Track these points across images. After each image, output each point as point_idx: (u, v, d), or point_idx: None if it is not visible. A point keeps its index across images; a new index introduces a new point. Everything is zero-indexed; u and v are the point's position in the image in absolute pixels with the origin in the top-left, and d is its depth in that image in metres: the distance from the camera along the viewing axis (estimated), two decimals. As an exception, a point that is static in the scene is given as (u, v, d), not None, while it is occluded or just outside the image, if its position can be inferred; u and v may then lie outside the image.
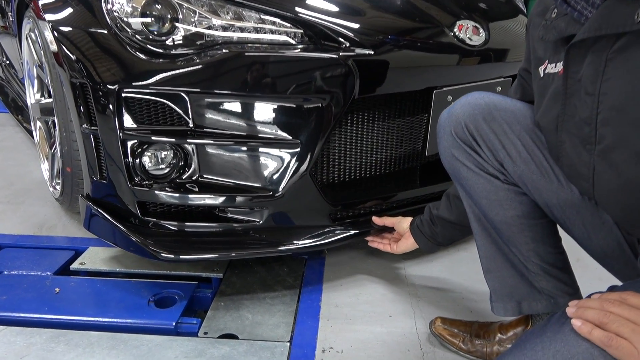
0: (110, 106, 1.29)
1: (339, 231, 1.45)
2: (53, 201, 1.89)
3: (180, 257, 1.34)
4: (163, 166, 1.39)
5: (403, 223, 1.40)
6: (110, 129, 1.32)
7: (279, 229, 1.43)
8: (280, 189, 1.37)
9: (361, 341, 1.24)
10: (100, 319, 1.30)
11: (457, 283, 1.48)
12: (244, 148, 1.35)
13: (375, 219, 1.46)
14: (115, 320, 1.30)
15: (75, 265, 1.52)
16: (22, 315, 1.30)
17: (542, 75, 0.89)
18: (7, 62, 3.00)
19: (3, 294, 1.38)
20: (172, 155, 1.38)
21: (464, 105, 0.95)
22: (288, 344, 1.22)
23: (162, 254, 1.32)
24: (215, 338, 1.25)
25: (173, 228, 1.40)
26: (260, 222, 1.41)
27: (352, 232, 1.45)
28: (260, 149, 1.36)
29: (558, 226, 1.00)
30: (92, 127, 1.35)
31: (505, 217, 0.96)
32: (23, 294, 1.38)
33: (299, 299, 1.41)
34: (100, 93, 1.30)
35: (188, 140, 1.32)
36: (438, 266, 1.57)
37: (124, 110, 1.29)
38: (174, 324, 1.29)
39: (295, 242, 1.41)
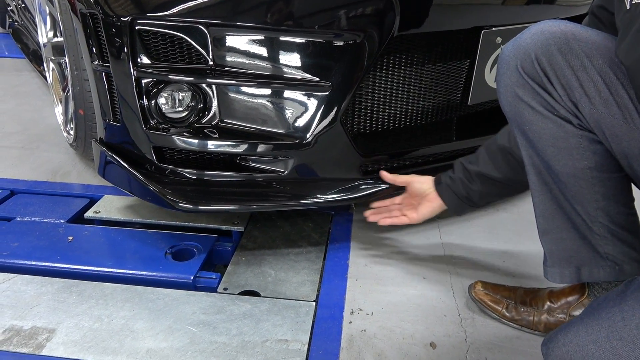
0: (123, 40, 1.17)
1: (369, 185, 1.33)
2: (68, 147, 1.80)
3: (199, 207, 1.24)
4: (180, 109, 1.28)
5: (420, 184, 1.23)
6: (123, 66, 1.20)
7: (304, 181, 1.32)
8: (308, 136, 1.25)
9: (393, 304, 1.15)
10: (114, 270, 1.22)
11: (497, 246, 1.36)
12: (269, 90, 1.22)
13: (384, 174, 1.29)
14: (130, 272, 1.22)
15: (89, 214, 1.44)
16: (33, 263, 1.23)
17: (628, 6, 0.74)
18: (23, 4, 2.89)
19: (15, 241, 1.31)
20: (190, 97, 1.26)
21: (535, 34, 0.79)
22: (314, 303, 1.13)
23: (180, 204, 1.22)
24: (236, 295, 1.16)
25: (191, 177, 1.30)
26: (285, 172, 1.29)
27: (384, 186, 1.33)
28: (287, 92, 1.23)
29: (632, 185, 0.86)
30: (104, 65, 1.23)
31: (574, 168, 0.82)
32: (35, 242, 1.31)
33: (325, 256, 1.31)
34: (112, 25, 1.17)
35: (208, 80, 1.20)
36: (475, 227, 1.45)
37: (137, 45, 1.17)
38: (192, 277, 1.20)
39: (321, 195, 1.30)
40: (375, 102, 1.33)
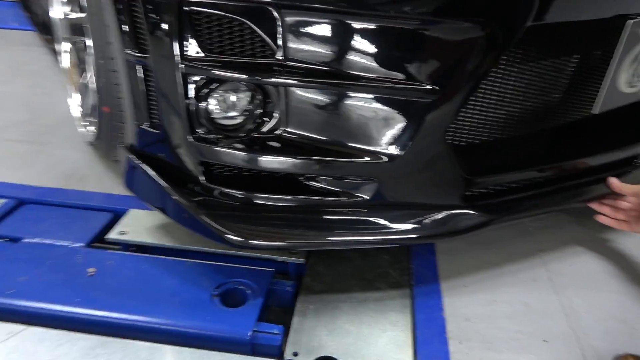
0: (168, 24, 0.88)
1: (471, 217, 1.05)
2: (84, 144, 1.52)
3: (251, 242, 0.96)
4: (235, 113, 0.99)
5: None
6: (166, 57, 0.91)
7: (388, 209, 1.04)
8: (401, 153, 0.96)
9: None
10: (150, 320, 0.95)
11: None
12: (355, 94, 0.93)
13: (612, 181, 1.13)
14: (169, 323, 0.95)
15: (113, 235, 1.17)
16: (46, 307, 0.97)
17: None
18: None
19: (23, 273, 1.04)
20: (248, 98, 0.97)
21: None
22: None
23: (228, 235, 0.95)
24: (308, 363, 0.90)
25: (243, 199, 1.02)
26: (366, 198, 1.01)
27: (491, 217, 1.05)
28: (379, 97, 0.93)
29: None
30: (141, 54, 0.95)
31: None
32: (48, 275, 1.05)
33: (412, 304, 1.04)
34: (154, 4, 0.88)
35: (277, 80, 0.91)
36: (593, 265, 1.18)
37: (187, 31, 0.88)
38: (249, 334, 0.94)
39: (412, 229, 1.02)
40: (484, 111, 1.04)
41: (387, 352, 0.92)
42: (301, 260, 1.13)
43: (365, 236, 1.01)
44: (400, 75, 0.91)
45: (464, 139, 1.05)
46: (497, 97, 1.03)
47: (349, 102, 0.94)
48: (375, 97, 0.93)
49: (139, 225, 1.21)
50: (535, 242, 1.22)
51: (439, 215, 1.04)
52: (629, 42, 1.03)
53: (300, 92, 0.94)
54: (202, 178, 1.01)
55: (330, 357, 0.91)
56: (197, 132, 0.98)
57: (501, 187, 1.10)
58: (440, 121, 0.95)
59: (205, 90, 0.95)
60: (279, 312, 1.06)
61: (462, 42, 0.88)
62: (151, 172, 1.04)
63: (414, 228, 1.02)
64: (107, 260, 1.10)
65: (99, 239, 1.19)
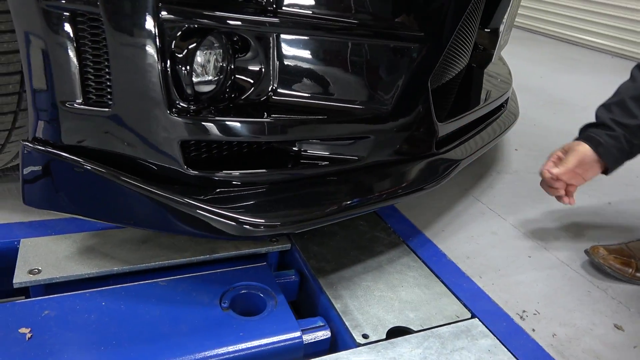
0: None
1: (446, 160, 1.08)
2: None
3: (276, 225, 0.80)
4: (213, 77, 0.80)
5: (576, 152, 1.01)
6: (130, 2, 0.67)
7: (383, 167, 0.99)
8: (392, 105, 0.92)
9: (544, 295, 0.96)
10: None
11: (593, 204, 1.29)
12: (347, 44, 0.85)
13: (546, 172, 1.03)
14: (199, 355, 0.72)
15: (22, 279, 0.81)
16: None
17: None
18: None
19: None
20: (221, 54, 0.79)
21: None
22: (477, 320, 0.85)
23: (250, 225, 0.77)
24: (385, 340, 0.79)
25: (237, 182, 0.84)
26: (364, 156, 0.94)
27: (458, 159, 1.10)
28: (371, 46, 0.87)
29: None
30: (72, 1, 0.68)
31: None
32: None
33: (419, 257, 1.01)
34: None
35: (265, 27, 0.77)
36: (509, 188, 1.35)
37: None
38: (299, 334, 0.78)
39: (407, 182, 0.99)
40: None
41: (435, 304, 0.88)
42: (287, 246, 0.98)
43: (368, 199, 0.94)
44: (391, 23, 0.87)
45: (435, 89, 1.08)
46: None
47: (340, 53, 0.86)
48: (368, 46, 0.87)
49: (51, 255, 0.86)
50: (459, 185, 1.34)
51: (422, 165, 1.04)
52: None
53: (292, 42, 0.82)
54: (184, 164, 0.78)
55: (399, 327, 0.82)
56: (178, 105, 0.75)
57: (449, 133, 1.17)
58: (426, 67, 0.94)
59: (189, 47, 0.73)
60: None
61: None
62: (109, 171, 0.76)
63: (407, 181, 1.00)
64: (42, 312, 0.75)
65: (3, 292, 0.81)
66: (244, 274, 0.89)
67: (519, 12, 1.62)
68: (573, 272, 1.05)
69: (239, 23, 0.74)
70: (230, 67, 0.80)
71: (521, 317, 0.89)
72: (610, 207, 1.32)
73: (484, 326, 0.84)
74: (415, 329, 0.82)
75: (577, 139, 1.03)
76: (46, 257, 0.86)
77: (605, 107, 1.03)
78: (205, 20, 0.72)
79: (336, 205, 0.88)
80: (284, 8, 0.78)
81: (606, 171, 1.01)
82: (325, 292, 0.88)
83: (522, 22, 3.85)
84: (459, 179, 1.36)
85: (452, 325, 0.84)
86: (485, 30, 1.42)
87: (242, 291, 0.85)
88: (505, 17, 1.30)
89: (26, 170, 0.79)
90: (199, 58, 0.77)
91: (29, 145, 0.78)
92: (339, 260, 0.96)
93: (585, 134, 1.03)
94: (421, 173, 1.02)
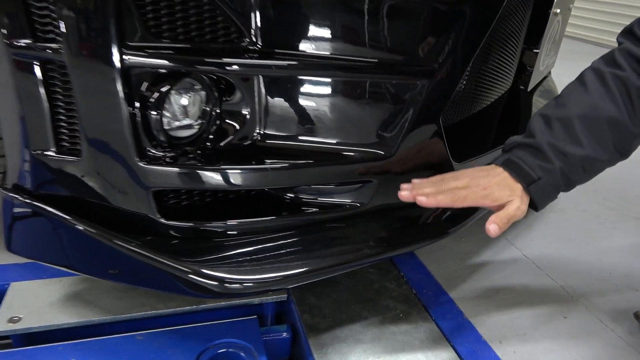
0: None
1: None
2: None
3: (252, 278, 0.73)
4: (192, 121, 0.74)
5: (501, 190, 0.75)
6: (94, 47, 0.63)
7: (388, 213, 0.89)
8: (397, 146, 0.83)
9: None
10: None
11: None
12: (344, 82, 0.77)
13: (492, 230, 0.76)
14: None
15: (0, 327, 0.78)
16: None
17: None
18: None
19: None
20: (204, 97, 0.73)
21: None
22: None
23: (234, 283, 0.70)
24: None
25: (214, 232, 0.77)
26: (365, 203, 0.85)
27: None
28: (372, 82, 0.78)
29: None
30: (44, 45, 0.64)
31: None
32: None
33: (430, 315, 0.90)
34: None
35: (249, 68, 0.70)
36: (549, 230, 1.20)
37: (127, 11, 0.62)
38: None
39: (420, 228, 0.89)
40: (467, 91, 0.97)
41: (440, 377, 0.77)
42: (283, 297, 0.91)
43: (376, 250, 0.85)
44: (396, 56, 0.78)
45: (451, 127, 0.97)
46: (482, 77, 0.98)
47: (338, 92, 0.78)
48: (369, 82, 0.79)
49: (36, 302, 0.84)
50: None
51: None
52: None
53: (280, 84, 0.74)
54: (159, 214, 0.73)
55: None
56: (149, 152, 0.70)
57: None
58: (436, 103, 0.84)
59: (160, 91, 0.68)
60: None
61: (457, 12, 0.79)
62: (83, 223, 0.72)
63: (420, 228, 0.89)
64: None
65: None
66: (228, 329, 0.82)
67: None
68: (618, 338, 0.89)
69: (212, 68, 0.68)
70: (216, 110, 0.74)
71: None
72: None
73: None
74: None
75: (496, 162, 0.77)
76: (31, 303, 0.84)
77: (544, 119, 0.75)
78: (174, 64, 0.67)
79: (334, 257, 0.80)
80: (267, 47, 0.71)
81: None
82: (314, 355, 0.79)
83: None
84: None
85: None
86: (534, 50, 1.29)
87: (221, 350, 0.78)
88: (543, 38, 1.17)
89: (6, 218, 0.78)
90: (179, 101, 0.72)
91: (5, 192, 0.76)
92: (336, 316, 0.87)
93: (510, 157, 0.75)
94: (435, 218, 0.92)
